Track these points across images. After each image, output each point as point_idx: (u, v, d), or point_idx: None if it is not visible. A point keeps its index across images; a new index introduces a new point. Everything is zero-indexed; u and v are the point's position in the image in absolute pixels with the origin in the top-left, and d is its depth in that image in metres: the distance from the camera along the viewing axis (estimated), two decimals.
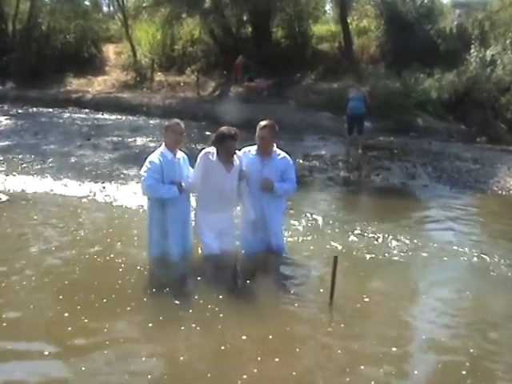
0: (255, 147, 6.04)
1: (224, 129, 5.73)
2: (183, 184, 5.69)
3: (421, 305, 5.65)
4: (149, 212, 5.92)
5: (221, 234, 5.97)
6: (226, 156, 5.71)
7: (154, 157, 5.67)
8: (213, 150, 5.72)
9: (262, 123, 5.96)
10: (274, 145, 6.06)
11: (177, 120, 5.89)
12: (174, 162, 5.73)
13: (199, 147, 6.22)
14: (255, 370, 4.18)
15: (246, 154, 6.05)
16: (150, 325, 4.83)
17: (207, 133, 13.80)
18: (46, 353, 4.37)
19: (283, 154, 6.12)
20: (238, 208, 6.31)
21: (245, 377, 4.08)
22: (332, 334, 5.02)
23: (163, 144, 5.81)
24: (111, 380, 4.11)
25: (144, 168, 5.64)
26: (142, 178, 5.61)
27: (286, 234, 6.75)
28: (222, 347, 4.50)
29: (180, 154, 5.88)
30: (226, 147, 5.65)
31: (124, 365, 4.25)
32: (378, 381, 4.14)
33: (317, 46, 24.75)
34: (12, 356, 4.35)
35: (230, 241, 6.08)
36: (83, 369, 4.15)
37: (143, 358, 4.31)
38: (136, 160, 11.26)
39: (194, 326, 4.77)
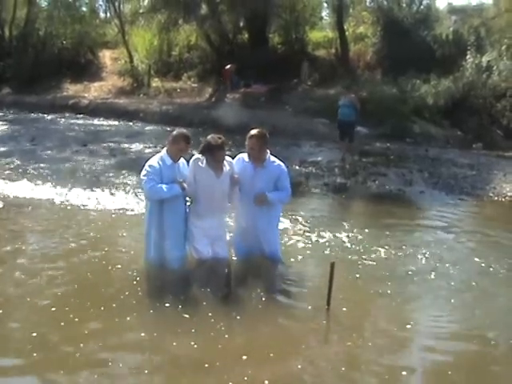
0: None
1: (210, 139, 5.69)
2: (184, 184, 5.69)
3: (418, 311, 5.65)
4: (147, 216, 5.91)
5: (213, 240, 5.97)
6: (216, 163, 5.72)
7: (154, 161, 5.69)
8: (203, 156, 5.73)
9: (251, 133, 5.90)
10: (268, 152, 6.04)
11: (186, 136, 5.78)
12: (173, 167, 5.73)
13: (196, 153, 6.19)
14: (250, 374, 4.18)
15: (239, 161, 6.04)
16: (148, 329, 4.83)
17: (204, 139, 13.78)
18: (43, 360, 4.37)
19: (277, 161, 6.06)
20: (232, 214, 6.32)
21: (242, 380, 4.09)
22: (329, 340, 5.03)
23: (165, 149, 5.80)
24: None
25: (144, 172, 5.65)
26: (143, 182, 5.63)
27: (281, 239, 6.74)
28: (219, 351, 4.51)
29: (180, 160, 5.88)
30: (214, 156, 5.66)
31: (123, 367, 4.27)
32: None
33: (313, 52, 24.82)
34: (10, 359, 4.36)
35: (222, 246, 6.08)
36: (81, 376, 4.15)
37: (140, 362, 4.33)
38: (132, 166, 11.27)
39: (190, 331, 4.77)
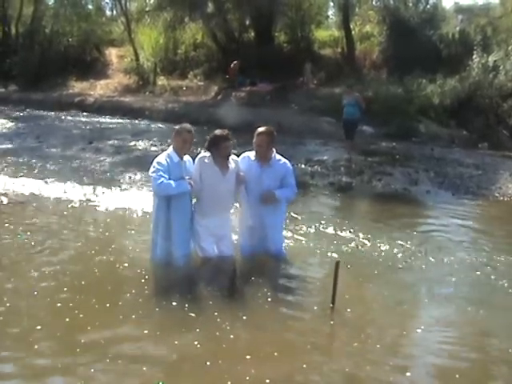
0: (254, 152, 6.03)
1: (216, 131, 5.79)
2: (191, 182, 5.70)
3: (422, 311, 5.63)
4: (154, 214, 5.92)
5: (219, 239, 5.98)
6: (221, 158, 5.73)
7: (162, 158, 5.72)
8: (208, 154, 5.75)
9: (259, 130, 5.94)
10: (274, 150, 6.04)
11: (188, 127, 5.85)
12: (180, 165, 5.75)
13: (201, 151, 6.23)
14: (252, 373, 4.17)
15: (245, 159, 6.04)
16: (153, 327, 4.82)
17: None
18: (44, 353, 4.39)
19: (283, 159, 6.09)
20: (236, 212, 6.32)
21: (244, 379, 4.08)
22: (334, 340, 5.02)
23: (171, 146, 5.84)
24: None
25: (152, 169, 5.67)
26: (152, 178, 5.65)
27: (286, 238, 6.75)
28: (222, 350, 4.50)
29: (186, 158, 5.91)
30: (221, 149, 5.68)
31: (123, 364, 4.28)
32: None
33: (319, 51, 24.80)
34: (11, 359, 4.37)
35: (227, 245, 6.08)
36: (81, 371, 4.15)
37: (141, 361, 4.31)
38: (138, 164, 11.30)
39: (195, 329, 4.77)
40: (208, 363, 4.28)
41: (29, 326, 4.77)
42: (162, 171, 5.59)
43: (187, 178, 5.71)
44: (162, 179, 5.55)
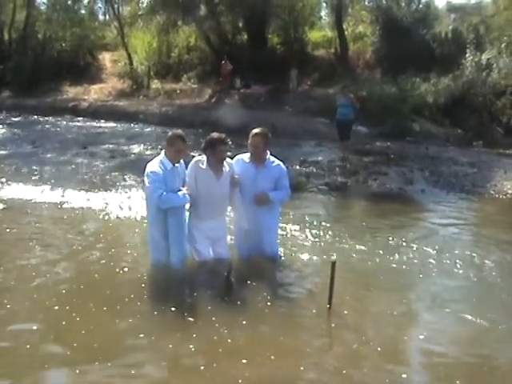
0: (248, 155, 6.00)
1: (214, 134, 5.75)
2: (188, 190, 5.69)
3: (419, 311, 5.62)
4: (150, 219, 5.87)
5: (215, 241, 5.98)
6: (216, 162, 5.70)
7: (155, 166, 5.56)
8: (203, 158, 5.73)
9: (254, 131, 5.92)
10: (268, 152, 6.04)
11: (181, 135, 5.71)
12: (173, 172, 5.66)
13: (196, 154, 6.21)
14: (247, 376, 4.15)
15: (239, 162, 6.02)
16: (146, 332, 4.80)
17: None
18: (40, 360, 4.36)
19: (277, 161, 6.08)
20: (232, 214, 6.32)
21: (240, 381, 4.07)
22: (332, 342, 5.01)
23: (163, 152, 5.72)
24: None
25: (148, 179, 5.54)
26: (150, 191, 5.53)
27: (282, 240, 6.75)
28: (219, 354, 4.47)
29: (179, 162, 5.85)
30: (216, 152, 5.64)
31: (113, 367, 4.28)
32: None
33: (313, 52, 24.84)
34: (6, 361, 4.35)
35: (224, 247, 6.08)
36: (75, 375, 4.15)
37: (143, 364, 4.33)
38: (133, 168, 11.27)
39: (191, 333, 4.76)
40: (202, 367, 4.26)
41: (25, 327, 4.78)
42: (159, 182, 5.47)
43: (185, 188, 5.66)
44: (161, 191, 5.43)
